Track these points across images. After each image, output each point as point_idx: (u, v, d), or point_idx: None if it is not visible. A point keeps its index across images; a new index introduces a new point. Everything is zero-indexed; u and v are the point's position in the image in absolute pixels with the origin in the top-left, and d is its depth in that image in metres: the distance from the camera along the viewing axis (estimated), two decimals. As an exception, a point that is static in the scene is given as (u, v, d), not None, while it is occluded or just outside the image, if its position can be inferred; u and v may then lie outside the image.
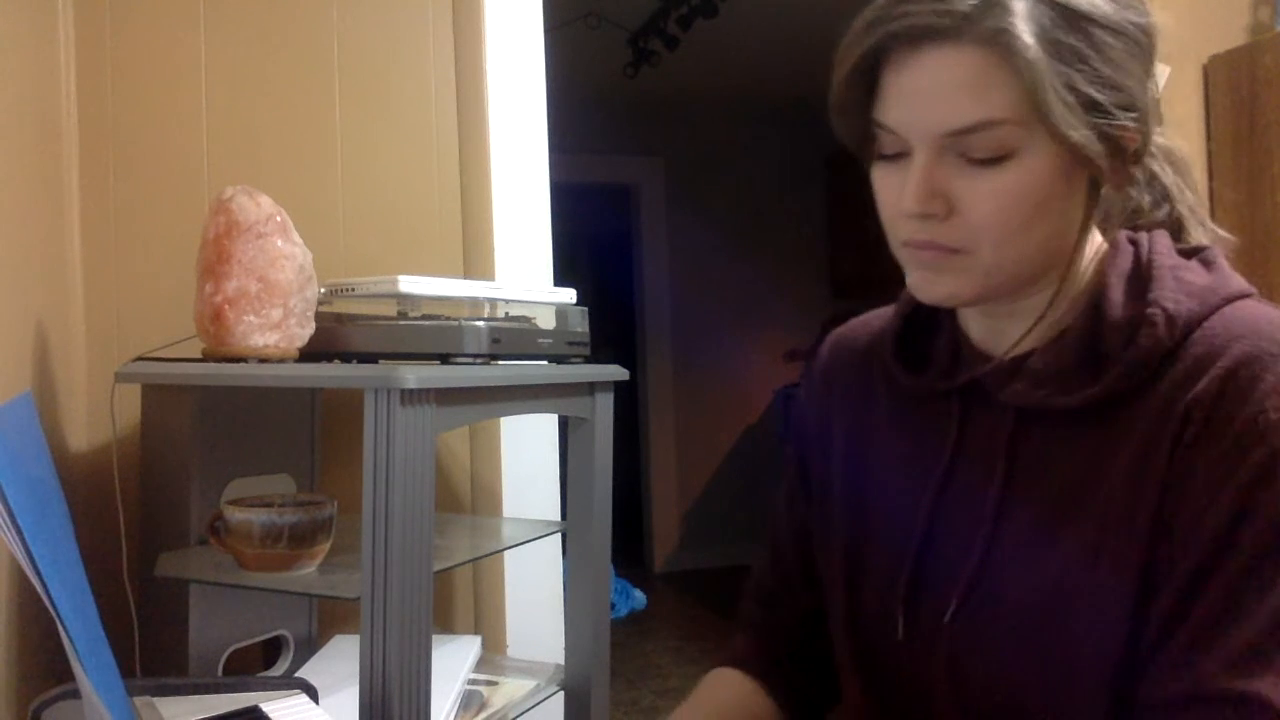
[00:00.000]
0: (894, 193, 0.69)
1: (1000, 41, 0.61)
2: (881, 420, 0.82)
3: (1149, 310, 0.66)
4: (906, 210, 0.67)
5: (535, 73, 1.56)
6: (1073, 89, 0.62)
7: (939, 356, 0.79)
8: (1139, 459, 0.64)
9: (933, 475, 0.75)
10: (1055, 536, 0.67)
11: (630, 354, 4.88)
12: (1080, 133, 0.62)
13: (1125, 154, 0.67)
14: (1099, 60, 0.63)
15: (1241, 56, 2.07)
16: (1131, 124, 0.65)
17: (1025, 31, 0.61)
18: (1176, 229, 0.77)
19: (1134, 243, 0.72)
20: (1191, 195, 0.78)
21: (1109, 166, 0.66)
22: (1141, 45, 0.65)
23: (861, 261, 4.73)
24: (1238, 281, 0.69)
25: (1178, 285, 0.67)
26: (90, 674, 0.55)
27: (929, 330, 0.82)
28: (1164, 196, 0.77)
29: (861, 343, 0.88)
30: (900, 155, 0.68)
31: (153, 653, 1.13)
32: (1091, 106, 0.63)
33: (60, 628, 0.53)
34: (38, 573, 0.52)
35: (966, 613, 0.70)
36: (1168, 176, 0.77)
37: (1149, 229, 0.75)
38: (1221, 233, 0.78)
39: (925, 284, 0.70)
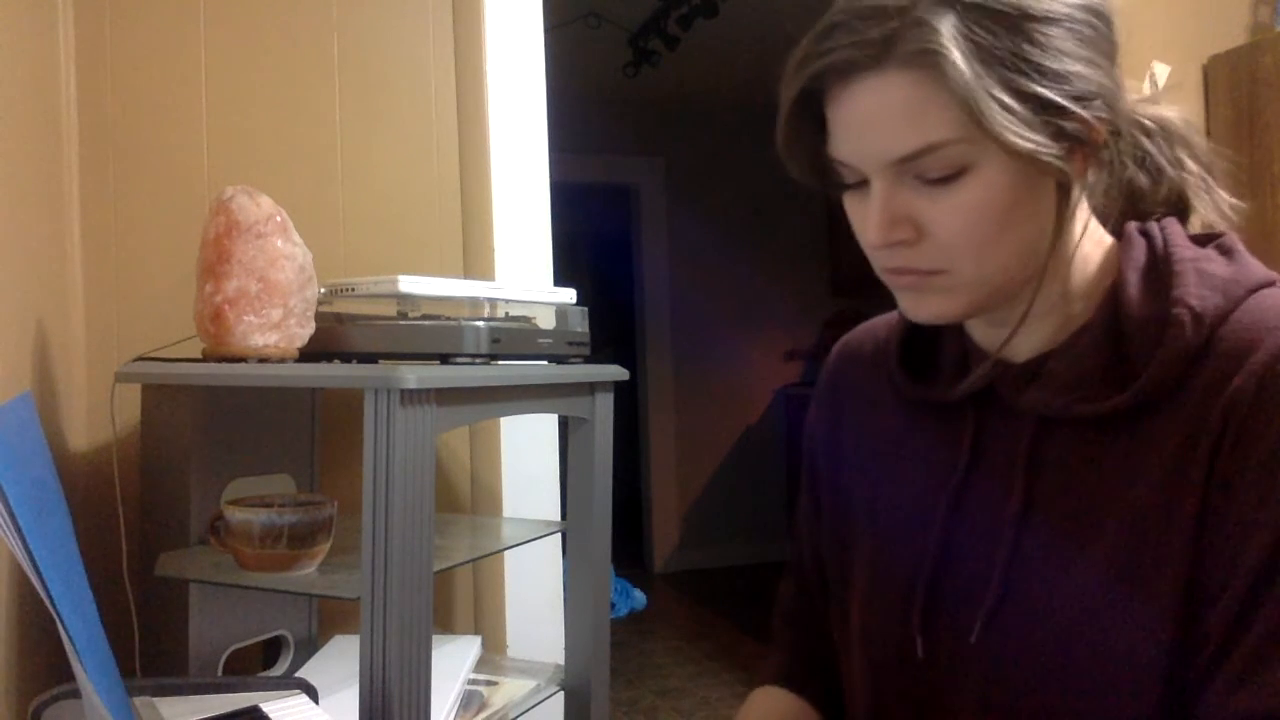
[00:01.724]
0: (862, 222, 0.67)
1: (927, 63, 0.59)
2: (891, 429, 0.80)
3: (1174, 310, 0.64)
4: (871, 243, 0.66)
5: (535, 73, 1.56)
6: (1017, 93, 0.59)
7: (946, 363, 0.77)
8: (1173, 466, 0.62)
9: (946, 486, 0.73)
10: (1084, 549, 0.65)
11: (630, 354, 4.88)
12: (1031, 138, 0.59)
13: (1094, 144, 0.64)
14: (1043, 56, 0.60)
15: (1241, 56, 2.07)
16: (1092, 114, 0.62)
17: (953, 47, 0.58)
18: (1180, 204, 0.74)
19: (1145, 234, 0.70)
20: (1194, 165, 0.74)
21: (1075, 163, 0.63)
22: (1095, 28, 0.62)
23: (861, 261, 4.67)
24: (1260, 269, 0.67)
25: (1200, 279, 0.65)
26: (90, 674, 0.55)
27: (934, 337, 0.80)
28: (1159, 172, 0.74)
29: (867, 350, 0.86)
30: (863, 183, 0.66)
31: (153, 653, 1.13)
32: (1043, 106, 0.60)
33: (60, 628, 0.53)
34: (38, 573, 0.52)
35: (994, 631, 0.67)
36: (1162, 151, 0.73)
37: (1155, 214, 0.72)
38: (1231, 200, 0.75)
39: (912, 307, 0.69)
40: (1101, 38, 0.63)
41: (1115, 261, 0.69)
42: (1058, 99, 0.60)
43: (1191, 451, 0.61)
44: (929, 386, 0.77)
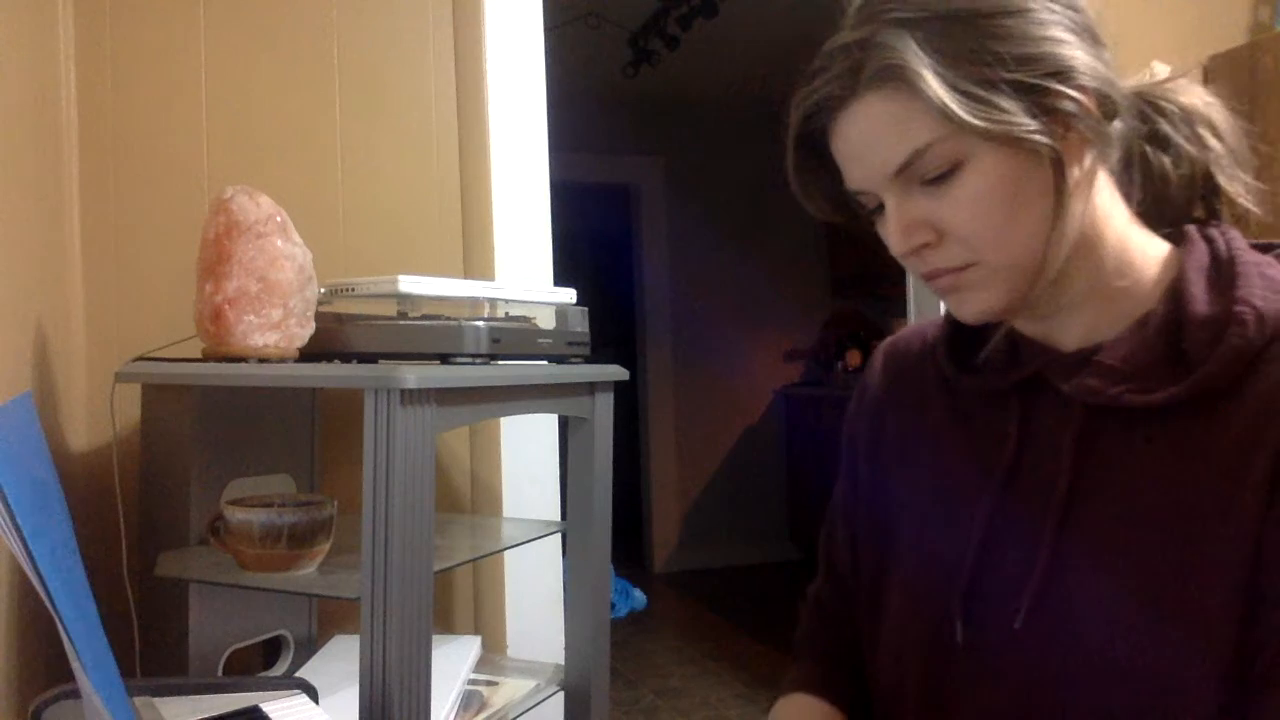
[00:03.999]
0: (887, 238, 0.71)
1: (893, 77, 0.63)
2: (935, 422, 0.80)
3: (1237, 308, 0.64)
4: (896, 251, 0.69)
5: (535, 73, 1.56)
6: (988, 84, 0.62)
7: (995, 355, 0.78)
8: (1233, 466, 0.62)
9: (993, 473, 0.73)
10: (1135, 540, 0.65)
11: (630, 354, 4.88)
12: (1004, 120, 0.62)
13: (1086, 117, 0.65)
14: (1006, 45, 0.63)
15: (1241, 56, 2.06)
16: (1074, 88, 0.64)
17: (911, 57, 0.62)
18: (1207, 185, 0.75)
19: (1207, 238, 0.71)
20: (1218, 144, 0.74)
21: (1071, 138, 0.65)
22: (1051, 8, 0.65)
23: (861, 261, 4.73)
24: None
25: (1265, 283, 0.66)
26: (90, 674, 0.55)
27: (982, 330, 0.80)
28: (1179, 151, 0.74)
29: (915, 349, 0.87)
30: (882, 207, 0.70)
31: (153, 653, 1.13)
32: (1021, 90, 0.63)
33: (60, 628, 0.53)
34: (38, 573, 0.52)
35: (1038, 619, 0.67)
36: (1179, 130, 0.74)
37: (1187, 199, 0.74)
38: (1253, 182, 0.75)
39: (957, 306, 0.71)
40: (1063, 16, 0.65)
41: (1175, 261, 0.71)
42: (1031, 80, 0.63)
43: (1251, 455, 0.61)
44: (976, 375, 0.78)
